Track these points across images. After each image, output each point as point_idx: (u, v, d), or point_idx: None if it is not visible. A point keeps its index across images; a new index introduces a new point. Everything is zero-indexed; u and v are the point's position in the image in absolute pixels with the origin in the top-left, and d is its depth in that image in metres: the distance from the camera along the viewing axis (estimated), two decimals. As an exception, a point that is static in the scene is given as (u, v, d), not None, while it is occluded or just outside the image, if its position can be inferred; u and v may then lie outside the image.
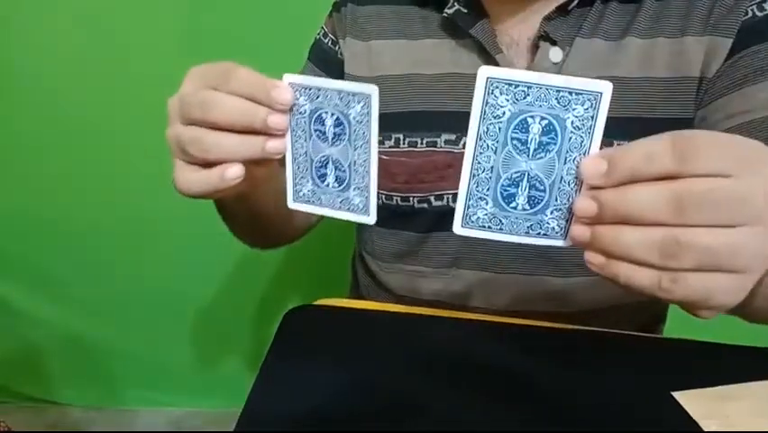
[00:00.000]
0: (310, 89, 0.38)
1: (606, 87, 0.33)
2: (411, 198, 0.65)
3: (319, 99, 0.38)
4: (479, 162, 0.36)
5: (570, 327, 0.60)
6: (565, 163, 0.35)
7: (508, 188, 0.36)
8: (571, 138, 0.34)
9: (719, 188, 0.31)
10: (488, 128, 0.35)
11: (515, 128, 0.34)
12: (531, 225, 0.37)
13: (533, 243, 0.37)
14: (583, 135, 0.34)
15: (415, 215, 0.66)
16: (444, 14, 0.62)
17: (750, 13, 0.57)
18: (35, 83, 1.19)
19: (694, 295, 0.32)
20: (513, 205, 0.36)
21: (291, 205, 0.43)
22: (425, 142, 0.63)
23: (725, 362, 0.54)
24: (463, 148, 0.61)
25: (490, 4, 0.62)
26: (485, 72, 0.33)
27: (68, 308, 1.38)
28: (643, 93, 0.59)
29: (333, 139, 0.39)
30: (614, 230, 0.32)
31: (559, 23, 0.59)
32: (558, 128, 0.34)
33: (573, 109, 0.33)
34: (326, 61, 0.71)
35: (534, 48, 0.61)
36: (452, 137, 0.62)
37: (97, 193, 1.27)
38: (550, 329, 0.59)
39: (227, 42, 1.12)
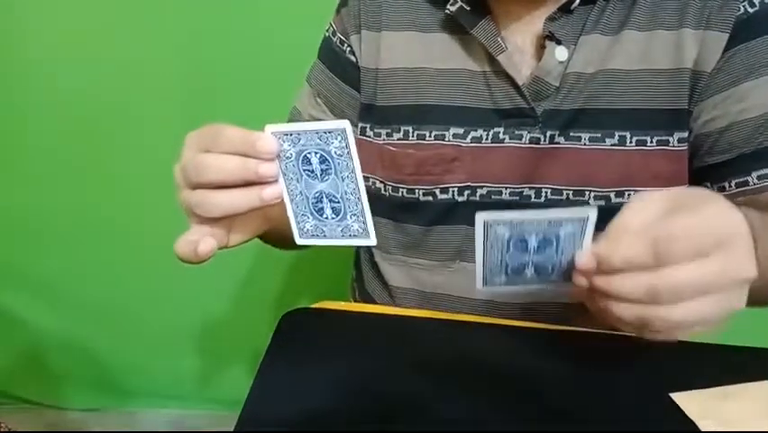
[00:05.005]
0: (291, 135, 0.42)
1: (591, 212, 0.40)
2: (417, 191, 0.66)
3: (302, 142, 0.42)
4: (491, 261, 0.43)
5: (567, 327, 0.60)
6: (562, 254, 0.43)
7: (518, 269, 0.44)
8: (564, 244, 0.42)
9: (688, 277, 0.37)
10: (492, 246, 0.42)
11: (516, 242, 0.42)
12: (539, 287, 0.46)
13: (541, 289, 0.46)
14: (575, 241, 0.42)
15: (419, 207, 0.67)
16: (447, 11, 0.62)
17: (742, 9, 0.58)
18: (35, 85, 1.19)
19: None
20: (522, 277, 0.45)
21: (299, 241, 0.46)
22: (433, 135, 0.64)
23: (723, 362, 0.54)
24: (471, 142, 0.64)
25: (495, 2, 0.62)
26: (482, 217, 0.41)
27: (68, 311, 1.38)
28: (642, 85, 0.60)
29: (321, 175, 0.43)
30: (603, 299, 0.41)
31: (563, 22, 0.60)
32: (553, 239, 0.42)
33: (564, 227, 0.41)
34: (336, 62, 0.71)
35: (540, 47, 0.61)
36: (460, 131, 0.64)
37: (99, 196, 1.27)
38: (548, 330, 0.59)
39: (230, 43, 1.12)
